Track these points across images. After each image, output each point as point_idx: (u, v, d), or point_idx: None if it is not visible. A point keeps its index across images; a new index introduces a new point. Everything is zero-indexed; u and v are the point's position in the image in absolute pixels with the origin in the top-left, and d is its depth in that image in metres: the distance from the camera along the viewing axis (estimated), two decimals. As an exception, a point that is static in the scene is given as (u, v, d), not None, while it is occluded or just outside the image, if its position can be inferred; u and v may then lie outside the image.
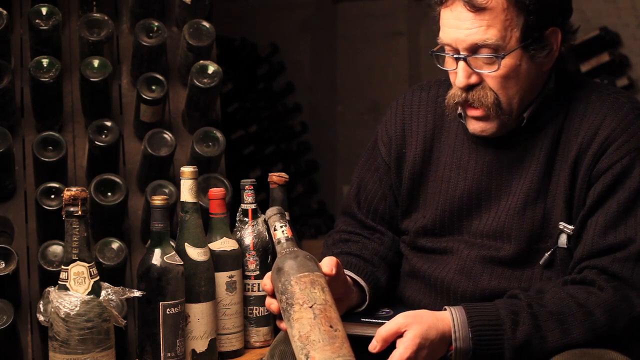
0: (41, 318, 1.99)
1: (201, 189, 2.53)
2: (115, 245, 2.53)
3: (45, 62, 2.65)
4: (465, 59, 1.90)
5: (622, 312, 1.84)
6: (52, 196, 2.53)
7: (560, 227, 1.93)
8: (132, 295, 2.05)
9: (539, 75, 1.95)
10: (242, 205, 2.34)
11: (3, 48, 2.72)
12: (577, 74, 2.08)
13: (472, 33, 1.87)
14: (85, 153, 2.72)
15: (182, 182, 2.20)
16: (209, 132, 2.72)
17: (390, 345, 1.82)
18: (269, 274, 1.84)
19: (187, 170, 2.19)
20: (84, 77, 2.66)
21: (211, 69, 2.72)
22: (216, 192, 2.28)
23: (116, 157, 2.72)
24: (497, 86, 1.91)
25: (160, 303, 2.10)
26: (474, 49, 1.89)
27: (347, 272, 1.99)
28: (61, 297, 1.94)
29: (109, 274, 2.41)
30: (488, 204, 1.99)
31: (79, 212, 1.94)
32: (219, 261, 2.25)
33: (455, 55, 1.91)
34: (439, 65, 1.99)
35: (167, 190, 2.60)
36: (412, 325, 1.81)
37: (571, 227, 1.92)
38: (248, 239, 2.32)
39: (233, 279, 2.27)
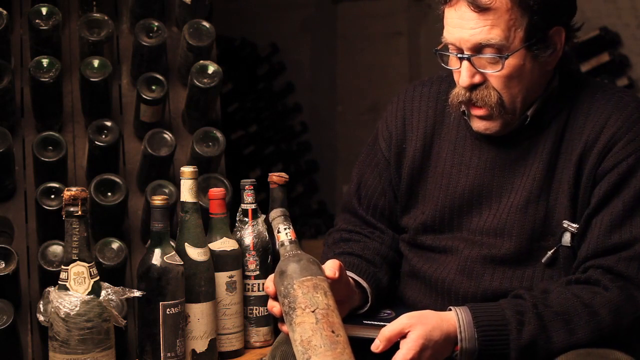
0: (41, 318, 1.99)
1: (201, 189, 2.53)
2: (115, 245, 2.53)
3: (45, 62, 2.65)
4: (469, 59, 1.90)
5: (628, 312, 1.84)
6: (52, 196, 2.53)
7: (564, 225, 1.92)
8: (132, 295, 2.05)
9: (542, 74, 1.95)
10: (242, 205, 2.34)
11: (3, 48, 2.72)
12: (581, 73, 2.08)
13: (476, 33, 1.87)
14: (85, 153, 2.72)
15: (182, 182, 2.20)
16: (209, 132, 2.72)
17: (393, 347, 1.82)
18: (271, 276, 1.83)
19: (187, 170, 2.19)
20: (84, 77, 2.66)
21: (211, 69, 2.72)
22: (216, 192, 2.28)
23: (116, 157, 2.72)
24: (501, 86, 1.90)
25: (160, 303, 2.10)
26: (478, 49, 1.88)
27: (349, 273, 1.99)
28: (61, 297, 1.94)
29: (109, 274, 2.41)
30: (489, 201, 1.99)
31: (79, 212, 1.94)
32: (219, 261, 2.25)
33: (459, 55, 1.91)
34: (442, 64, 1.99)
35: (167, 190, 2.60)
36: (415, 326, 1.80)
37: (575, 225, 1.92)
38: (248, 239, 2.32)
39: (233, 279, 2.27)
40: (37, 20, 2.69)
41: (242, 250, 2.31)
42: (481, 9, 1.86)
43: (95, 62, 2.68)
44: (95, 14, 2.78)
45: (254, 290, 2.32)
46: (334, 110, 6.63)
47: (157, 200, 2.12)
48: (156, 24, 2.77)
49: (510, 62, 1.88)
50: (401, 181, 2.10)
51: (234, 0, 6.44)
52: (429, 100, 2.10)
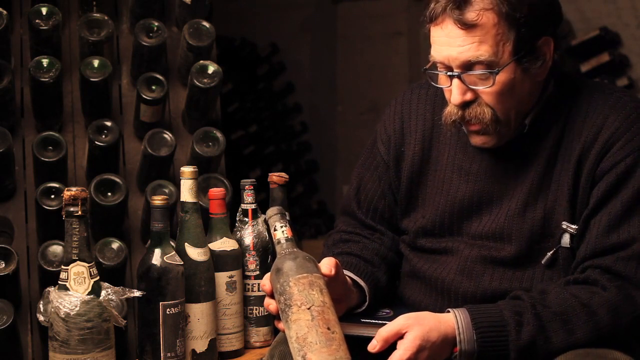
0: (41, 318, 1.99)
1: (201, 189, 2.53)
2: (115, 245, 2.53)
3: (45, 62, 2.65)
4: (459, 76, 1.88)
5: (626, 311, 1.84)
6: (52, 196, 2.53)
7: (563, 226, 1.92)
8: (132, 295, 2.05)
9: (534, 85, 1.94)
10: (242, 205, 2.34)
11: (3, 48, 2.72)
12: (577, 75, 2.08)
13: (464, 50, 1.86)
14: (85, 153, 2.72)
15: (182, 182, 2.20)
16: (209, 132, 2.72)
17: (391, 347, 1.82)
18: (268, 274, 1.84)
19: (187, 170, 2.19)
20: (84, 77, 2.66)
21: (211, 69, 2.72)
22: (216, 192, 2.28)
23: (116, 157, 2.72)
24: (493, 101, 1.89)
25: (160, 303, 2.10)
26: (467, 66, 1.87)
27: (346, 272, 1.99)
28: (61, 297, 1.94)
29: (109, 274, 2.41)
30: (489, 206, 1.99)
31: (79, 212, 1.94)
32: (219, 261, 2.25)
33: (448, 73, 1.90)
34: (432, 83, 1.98)
35: (167, 190, 2.60)
36: (413, 327, 1.80)
37: (574, 226, 1.92)
38: (248, 239, 2.32)
39: (233, 279, 2.27)
40: (37, 20, 2.69)
41: (242, 250, 2.31)
42: (468, 26, 1.84)
43: (95, 62, 2.68)
44: (95, 14, 2.78)
45: (254, 290, 2.32)
46: (334, 110, 6.63)
47: (157, 200, 2.12)
48: (156, 24, 2.77)
49: (501, 77, 1.87)
50: (400, 184, 2.10)
51: (234, 0, 6.44)
52: (427, 103, 2.10)
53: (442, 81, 1.94)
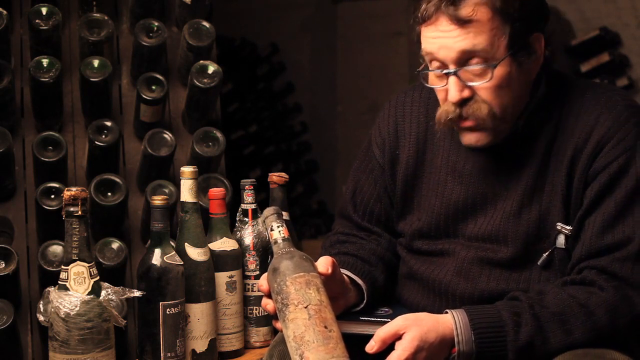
0: (41, 318, 1.99)
1: (201, 189, 2.53)
2: (115, 245, 2.53)
3: (45, 62, 2.65)
4: (455, 73, 1.88)
5: (624, 311, 1.84)
6: (52, 196, 2.53)
7: (558, 227, 1.92)
8: (132, 295, 2.05)
9: (527, 81, 1.94)
10: (242, 205, 2.34)
11: (3, 48, 2.72)
12: (569, 74, 2.08)
13: (460, 40, 1.85)
14: (85, 153, 2.72)
15: (182, 182, 2.20)
16: (209, 132, 2.72)
17: (389, 347, 1.82)
18: (265, 274, 1.85)
19: (187, 170, 2.19)
20: (84, 77, 2.66)
21: (211, 69, 2.72)
22: (216, 192, 2.28)
23: (116, 157, 2.72)
24: (491, 97, 1.89)
25: (160, 303, 2.10)
26: (463, 61, 1.87)
27: (344, 271, 2.00)
28: (61, 297, 1.94)
29: (109, 274, 2.41)
30: (484, 208, 1.99)
31: (79, 212, 1.94)
32: (219, 261, 2.25)
33: (445, 71, 1.89)
34: (426, 84, 1.97)
35: (167, 190, 2.60)
36: (411, 328, 1.81)
37: (569, 227, 1.92)
38: (248, 239, 2.32)
39: (233, 279, 2.27)
40: (37, 20, 2.69)
41: (242, 250, 2.31)
42: (463, 22, 1.84)
43: (95, 62, 2.68)
44: (95, 14, 2.78)
45: (254, 290, 2.32)
46: (334, 110, 6.63)
47: (157, 200, 2.12)
48: (156, 24, 2.77)
49: (498, 71, 1.87)
50: (396, 187, 2.11)
51: (234, 0, 6.44)
52: (420, 105, 2.10)
53: (436, 81, 1.93)
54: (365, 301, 2.01)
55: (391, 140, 2.12)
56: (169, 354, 2.12)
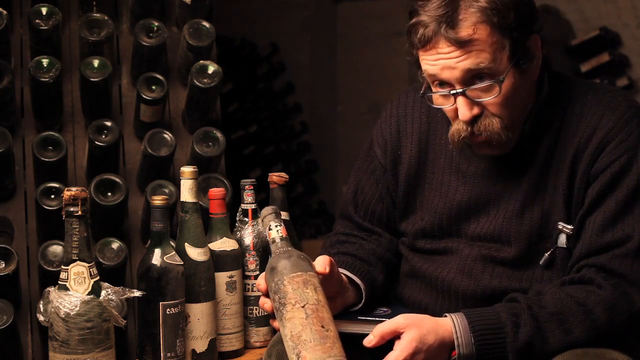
0: (41, 318, 1.99)
1: (201, 189, 2.53)
2: (115, 245, 2.52)
3: (45, 62, 2.65)
4: (463, 93, 1.87)
5: (622, 309, 1.84)
6: (52, 196, 2.53)
7: (560, 227, 1.93)
8: (132, 295, 2.05)
9: (531, 85, 1.95)
10: (242, 205, 2.34)
11: (3, 48, 2.72)
12: (571, 75, 2.08)
13: (463, 59, 1.84)
14: (85, 153, 2.72)
15: (182, 182, 2.20)
16: (209, 132, 2.72)
17: (387, 346, 1.82)
18: (263, 273, 1.85)
19: (187, 170, 2.19)
20: (84, 77, 2.66)
21: (211, 69, 2.72)
22: (216, 192, 2.28)
23: (116, 157, 2.72)
24: (500, 110, 1.89)
25: (160, 303, 2.10)
26: (468, 80, 1.86)
27: (343, 271, 2.00)
28: (61, 297, 1.94)
29: (109, 274, 2.41)
30: (487, 208, 1.99)
31: (79, 212, 1.94)
32: (219, 261, 2.25)
33: (452, 92, 1.88)
34: (432, 105, 1.96)
35: (167, 190, 2.60)
36: (410, 328, 1.81)
37: (570, 227, 1.92)
38: (248, 239, 2.32)
39: (233, 279, 2.27)
40: (37, 20, 2.69)
41: (242, 250, 2.31)
42: (463, 43, 1.83)
43: (95, 62, 2.68)
44: (95, 14, 2.77)
45: (254, 290, 2.32)
46: (334, 110, 6.63)
47: (157, 200, 2.12)
48: (156, 24, 2.77)
49: (505, 83, 1.86)
50: (398, 187, 2.11)
51: (234, 0, 6.44)
52: (422, 106, 2.09)
53: (443, 101, 1.93)
54: (363, 301, 2.02)
55: (393, 140, 2.12)
56: (169, 354, 2.12)
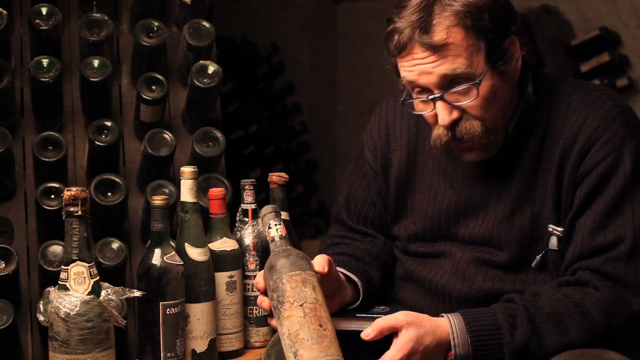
0: (41, 318, 1.99)
1: (201, 189, 2.53)
2: (115, 245, 2.52)
3: (45, 62, 2.65)
4: (442, 97, 1.87)
5: (618, 310, 1.84)
6: (52, 196, 2.53)
7: (550, 229, 1.93)
8: (132, 295, 2.05)
9: (512, 87, 1.94)
10: (242, 205, 2.34)
11: (3, 48, 2.72)
12: (557, 75, 2.08)
13: (439, 64, 1.84)
14: (85, 153, 2.72)
15: (182, 182, 2.20)
16: (209, 132, 2.72)
17: (385, 340, 1.82)
18: (262, 271, 1.85)
19: (187, 170, 2.19)
20: (84, 77, 2.66)
21: (211, 69, 2.72)
22: (216, 192, 2.28)
23: (116, 157, 2.72)
24: (480, 112, 1.89)
25: (160, 303, 2.10)
26: (446, 84, 1.86)
27: (340, 269, 2.01)
28: (61, 297, 1.94)
29: (109, 274, 2.41)
30: (475, 212, 1.99)
31: (79, 212, 1.94)
32: (219, 261, 2.25)
33: (430, 97, 1.88)
34: (413, 112, 1.97)
35: (167, 190, 2.60)
36: (409, 327, 1.81)
37: (560, 229, 1.92)
38: (248, 239, 2.32)
39: (233, 279, 2.27)
40: (37, 20, 2.69)
41: (242, 250, 2.31)
42: (438, 47, 1.83)
43: (95, 62, 2.68)
44: (95, 14, 2.77)
45: (254, 290, 2.32)
46: (334, 110, 6.63)
47: (157, 200, 2.12)
48: (156, 24, 2.77)
49: (483, 86, 1.86)
50: (389, 191, 2.11)
51: (234, 0, 6.44)
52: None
53: (423, 107, 1.93)
54: (361, 298, 2.02)
55: (383, 144, 2.12)
56: (169, 354, 2.12)
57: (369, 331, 1.81)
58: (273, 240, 1.86)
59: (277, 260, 1.81)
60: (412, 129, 2.09)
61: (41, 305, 1.99)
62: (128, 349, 2.55)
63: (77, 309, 1.94)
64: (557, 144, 1.92)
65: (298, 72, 6.73)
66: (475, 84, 1.85)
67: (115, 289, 2.01)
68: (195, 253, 2.18)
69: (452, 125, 1.89)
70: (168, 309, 2.11)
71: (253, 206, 2.34)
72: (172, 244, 2.17)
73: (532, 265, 1.94)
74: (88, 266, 1.96)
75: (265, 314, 2.32)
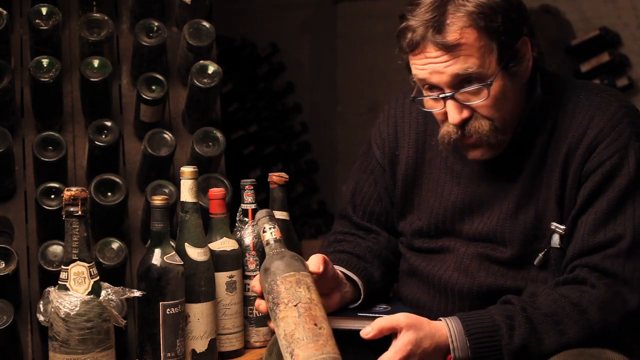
0: (41, 318, 1.99)
1: (201, 189, 2.53)
2: (115, 245, 2.52)
3: (45, 62, 2.65)
4: (452, 96, 1.88)
5: (616, 308, 1.85)
6: (52, 196, 2.53)
7: (552, 227, 1.93)
8: (132, 295, 2.05)
9: (522, 88, 1.95)
10: (242, 205, 2.34)
11: (3, 48, 2.72)
12: (565, 75, 2.09)
13: (451, 64, 1.85)
14: (85, 153, 2.72)
15: (182, 182, 2.20)
16: (209, 132, 2.72)
17: (385, 340, 1.82)
18: (257, 275, 1.86)
19: (187, 170, 2.20)
20: (84, 77, 2.66)
21: (211, 69, 2.72)
22: (216, 192, 2.28)
23: (116, 157, 2.72)
24: (491, 112, 1.90)
25: (160, 303, 2.10)
26: (457, 83, 1.87)
27: (339, 268, 2.01)
28: (61, 297, 1.94)
29: (109, 274, 2.41)
30: (481, 209, 2.00)
31: (79, 212, 1.94)
32: (219, 261, 2.25)
33: (441, 95, 1.90)
34: (422, 109, 1.98)
35: (167, 190, 2.60)
36: (408, 329, 1.81)
37: (563, 227, 1.93)
38: (248, 239, 2.33)
39: (233, 279, 2.27)
40: (37, 20, 2.69)
41: (242, 250, 2.31)
42: (451, 47, 1.84)
43: (95, 62, 2.68)
44: (95, 14, 2.77)
45: (254, 290, 2.32)
46: (334, 110, 6.63)
47: (157, 200, 2.12)
48: (156, 24, 2.77)
49: (494, 87, 1.87)
50: (396, 187, 2.12)
51: (234, 0, 6.44)
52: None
53: (433, 104, 1.94)
54: (362, 297, 2.02)
55: (391, 141, 2.13)
56: (169, 354, 2.12)
57: (368, 330, 1.82)
58: (268, 243, 1.88)
59: (272, 263, 1.82)
60: (420, 126, 2.09)
61: (41, 305, 1.99)
62: (128, 349, 2.55)
63: (77, 309, 1.94)
64: (563, 143, 1.93)
65: (298, 72, 6.73)
66: (486, 85, 1.87)
67: (115, 289, 2.01)
68: (195, 253, 2.19)
69: (462, 124, 1.91)
70: (168, 309, 2.11)
71: (253, 206, 2.34)
72: (172, 244, 2.17)
73: (535, 262, 1.95)
74: (88, 266, 1.96)
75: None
